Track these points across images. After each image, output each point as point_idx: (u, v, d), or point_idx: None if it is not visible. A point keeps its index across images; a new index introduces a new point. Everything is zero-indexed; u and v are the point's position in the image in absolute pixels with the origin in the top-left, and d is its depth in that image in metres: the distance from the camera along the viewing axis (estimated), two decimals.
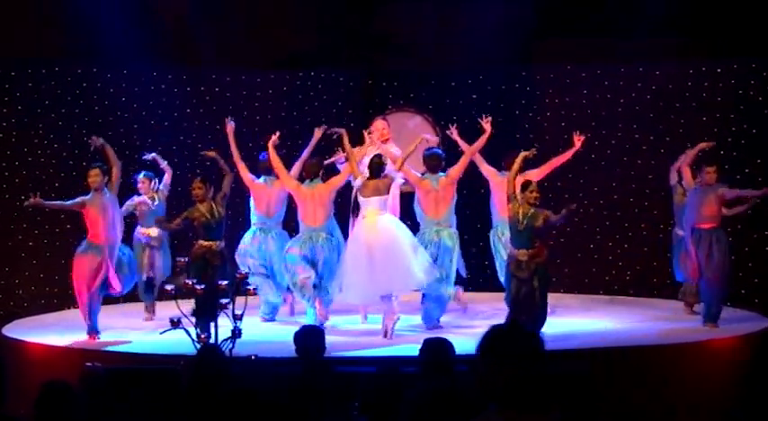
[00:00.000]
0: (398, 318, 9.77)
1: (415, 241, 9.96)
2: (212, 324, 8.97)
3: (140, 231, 11.42)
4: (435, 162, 10.37)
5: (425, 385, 4.53)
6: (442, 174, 10.39)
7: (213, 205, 9.84)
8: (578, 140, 10.90)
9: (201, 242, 9.73)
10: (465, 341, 6.89)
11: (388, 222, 9.87)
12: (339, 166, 10.80)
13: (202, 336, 8.73)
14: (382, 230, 9.75)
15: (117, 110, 13.21)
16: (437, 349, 5.68)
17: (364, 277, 9.66)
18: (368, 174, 9.98)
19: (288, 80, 13.83)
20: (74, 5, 12.90)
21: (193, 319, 8.88)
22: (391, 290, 9.73)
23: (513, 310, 9.47)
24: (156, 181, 11.53)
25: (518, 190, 9.59)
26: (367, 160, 10.52)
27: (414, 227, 10.55)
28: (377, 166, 9.98)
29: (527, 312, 9.32)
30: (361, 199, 9.99)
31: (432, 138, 11.13)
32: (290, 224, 11.22)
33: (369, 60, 14.50)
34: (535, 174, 10.51)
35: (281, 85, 13.79)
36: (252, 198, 11.06)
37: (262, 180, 10.98)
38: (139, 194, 11.36)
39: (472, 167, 10.74)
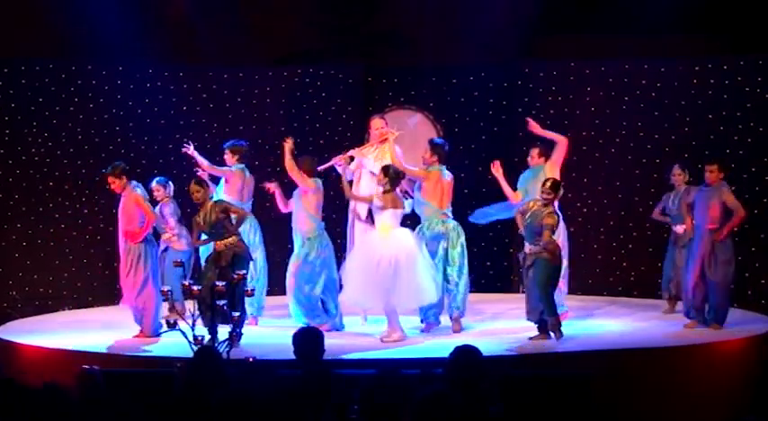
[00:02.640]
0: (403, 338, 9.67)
1: (426, 256, 9.80)
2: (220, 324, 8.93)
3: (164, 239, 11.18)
4: (443, 151, 10.16)
5: (431, 389, 4.40)
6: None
7: (207, 212, 9.63)
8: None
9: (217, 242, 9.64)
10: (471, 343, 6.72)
11: (401, 237, 9.70)
12: (338, 168, 10.65)
13: (198, 338, 8.59)
14: (395, 244, 9.58)
15: (113, 108, 13.06)
16: (468, 357, 5.53)
17: (366, 284, 9.57)
18: (382, 186, 9.76)
19: (287, 77, 13.67)
20: (71, 3, 12.77)
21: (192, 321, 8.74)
22: (404, 305, 9.70)
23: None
24: (170, 185, 11.27)
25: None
26: (366, 161, 10.39)
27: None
28: (394, 178, 9.75)
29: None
30: (374, 211, 9.81)
31: None
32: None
33: (369, 57, 14.36)
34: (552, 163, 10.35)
35: (280, 82, 13.64)
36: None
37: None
38: (155, 202, 11.08)
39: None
